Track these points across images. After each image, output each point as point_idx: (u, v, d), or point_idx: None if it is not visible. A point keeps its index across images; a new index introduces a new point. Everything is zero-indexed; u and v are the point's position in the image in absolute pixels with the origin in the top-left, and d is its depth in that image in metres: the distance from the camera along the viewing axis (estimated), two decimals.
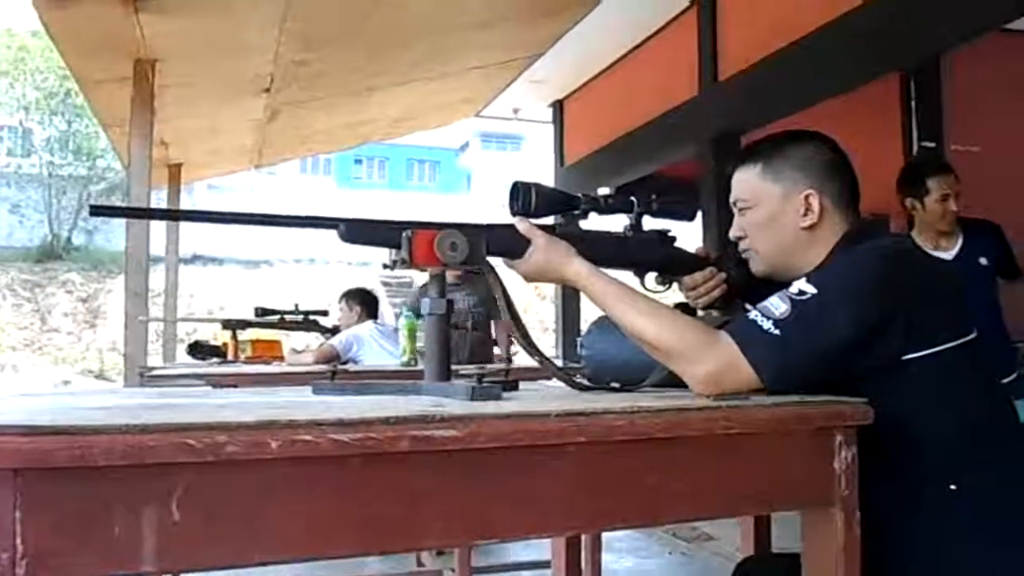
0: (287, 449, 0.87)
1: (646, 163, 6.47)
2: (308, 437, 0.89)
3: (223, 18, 4.30)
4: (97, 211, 1.37)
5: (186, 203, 8.75)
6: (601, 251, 1.53)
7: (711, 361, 1.29)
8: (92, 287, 20.92)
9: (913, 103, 5.27)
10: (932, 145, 5.04)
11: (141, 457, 0.83)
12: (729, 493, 1.15)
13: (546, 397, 1.33)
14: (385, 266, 1.43)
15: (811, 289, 1.31)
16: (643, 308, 1.38)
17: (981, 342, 1.40)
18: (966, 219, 3.35)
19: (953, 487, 1.31)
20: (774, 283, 1.52)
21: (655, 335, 1.34)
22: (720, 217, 4.64)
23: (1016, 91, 5.25)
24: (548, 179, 7.98)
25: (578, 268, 1.43)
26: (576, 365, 2.26)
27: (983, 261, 3.30)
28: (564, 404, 1.11)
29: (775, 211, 1.51)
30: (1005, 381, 3.06)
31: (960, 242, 3.32)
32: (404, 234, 1.33)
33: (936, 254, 3.20)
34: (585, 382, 1.50)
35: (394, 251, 1.37)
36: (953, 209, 3.26)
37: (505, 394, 1.28)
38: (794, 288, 1.33)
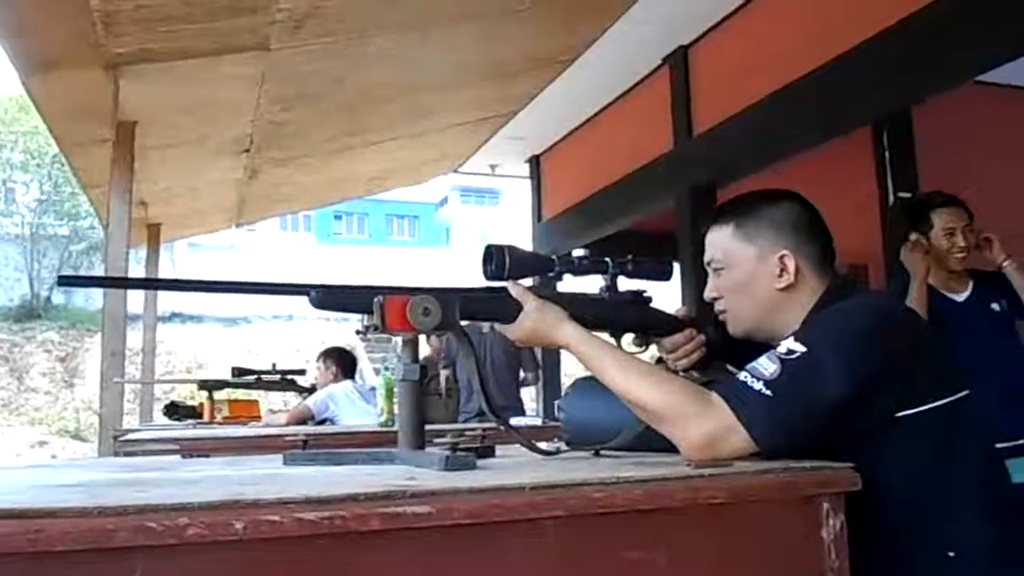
0: (252, 531, 0.84)
1: (623, 218, 6.49)
2: (274, 517, 0.85)
3: (203, 81, 4.33)
4: (66, 282, 1.33)
5: (165, 262, 8.71)
6: (577, 313, 1.51)
7: (706, 425, 1.26)
8: (71, 346, 20.74)
9: (887, 154, 5.30)
10: (908, 195, 5.05)
11: (99, 541, 0.79)
12: (713, 566, 1.11)
13: (523, 466, 1.30)
14: (358, 332, 1.41)
15: (799, 348, 1.29)
16: (636, 371, 1.35)
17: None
18: (974, 271, 3.18)
19: (951, 553, 1.27)
20: (752, 344, 1.51)
21: (650, 399, 1.32)
22: (698, 275, 4.64)
23: (987, 140, 5.32)
24: (526, 234, 8.00)
25: (569, 333, 1.42)
26: (555, 423, 2.23)
27: (995, 307, 3.10)
28: (540, 475, 1.08)
29: (750, 272, 1.50)
30: None
31: (971, 287, 3.14)
32: (376, 300, 1.30)
33: (946, 294, 3.10)
34: (560, 446, 1.48)
35: (367, 316, 1.35)
36: (962, 244, 3.08)
37: (480, 462, 1.25)
38: (782, 348, 1.31)
